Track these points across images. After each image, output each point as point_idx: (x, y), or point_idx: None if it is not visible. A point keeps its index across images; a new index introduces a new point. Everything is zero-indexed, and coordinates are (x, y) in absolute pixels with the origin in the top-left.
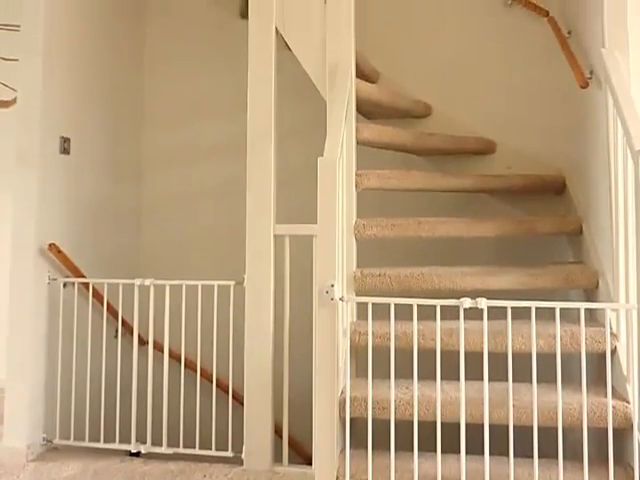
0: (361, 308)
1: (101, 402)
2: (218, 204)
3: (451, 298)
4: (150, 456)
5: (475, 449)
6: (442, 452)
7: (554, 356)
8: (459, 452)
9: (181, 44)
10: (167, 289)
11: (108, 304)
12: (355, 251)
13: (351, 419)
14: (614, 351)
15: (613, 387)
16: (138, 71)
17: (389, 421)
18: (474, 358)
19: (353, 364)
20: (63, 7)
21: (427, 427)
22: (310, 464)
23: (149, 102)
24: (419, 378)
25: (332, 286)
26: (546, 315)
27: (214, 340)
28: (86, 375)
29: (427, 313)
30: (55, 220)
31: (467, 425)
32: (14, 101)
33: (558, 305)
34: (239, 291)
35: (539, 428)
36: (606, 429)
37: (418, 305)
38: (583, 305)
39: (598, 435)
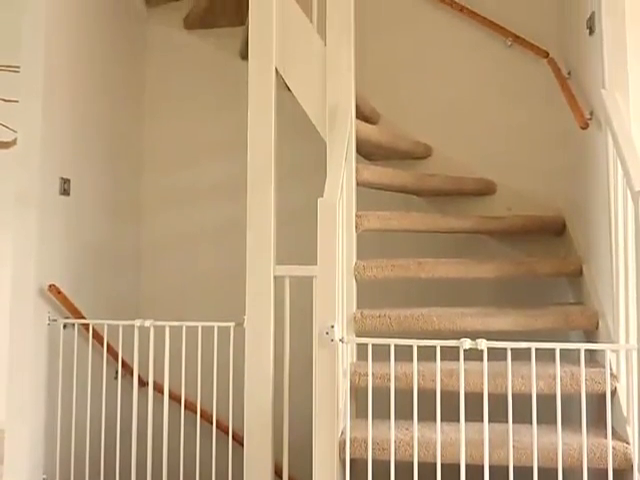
0: (361, 349)
1: (101, 443)
2: (218, 245)
3: (451, 339)
4: None
5: None
6: None
7: (554, 397)
8: None
9: (181, 85)
10: (167, 330)
11: (108, 345)
12: (355, 292)
13: (351, 460)
14: (614, 392)
15: (613, 428)
16: (138, 111)
17: (389, 462)
18: (474, 399)
19: (353, 405)
20: (63, 48)
21: (427, 468)
22: None
23: (149, 142)
24: (419, 419)
25: (332, 327)
26: (546, 356)
27: (214, 381)
28: (86, 416)
29: (427, 354)
30: (55, 261)
31: (467, 466)
32: (14, 142)
33: (558, 346)
34: (239, 332)
35: (539, 469)
36: (606, 470)
37: (418, 346)
38: (583, 346)
39: (598, 476)
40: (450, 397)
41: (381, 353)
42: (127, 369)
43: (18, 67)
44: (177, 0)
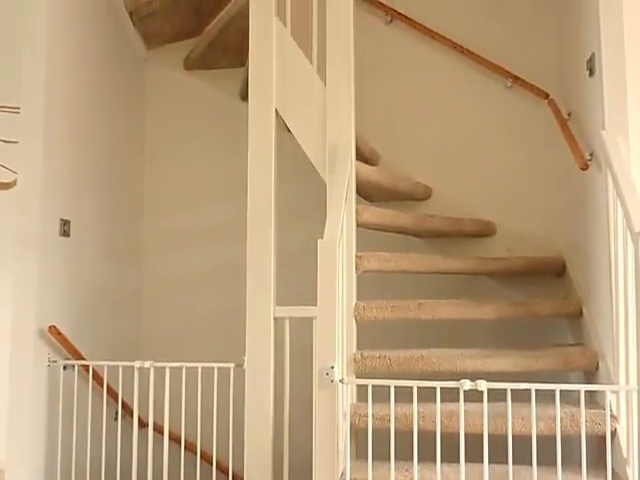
0: (361, 390)
1: None
2: (218, 286)
3: (451, 380)
4: None
5: None
6: None
7: (554, 438)
8: None
9: (181, 125)
10: (167, 371)
11: (108, 386)
12: (355, 333)
13: None
14: (614, 433)
15: (613, 469)
16: (138, 152)
17: None
18: (474, 440)
19: (353, 446)
20: (63, 89)
21: None
22: None
23: (149, 184)
24: (419, 460)
25: (332, 368)
26: (546, 397)
27: (214, 422)
28: (86, 457)
29: (427, 395)
30: (55, 302)
31: None
32: (14, 183)
33: (558, 387)
34: (239, 373)
35: None
36: None
37: (418, 387)
38: (583, 387)
39: None
40: (450, 438)
41: (381, 394)
42: (127, 410)
43: (18, 108)
44: (177, 41)
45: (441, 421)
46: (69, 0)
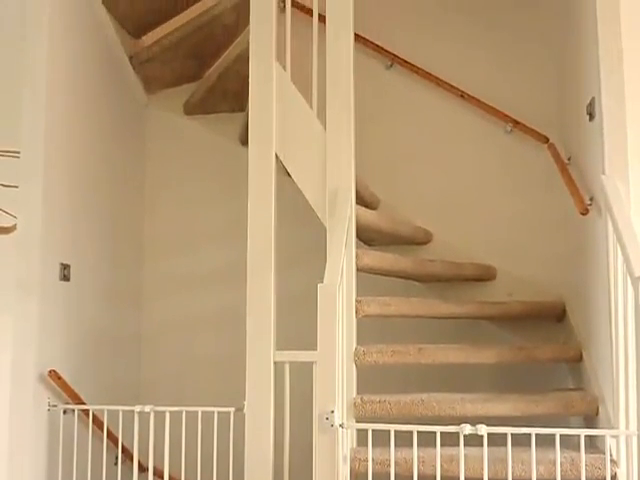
0: (361, 434)
1: None
2: (218, 330)
3: (451, 424)
4: None
5: None
6: None
7: None
8: None
9: (181, 170)
10: (167, 415)
11: (108, 431)
12: (355, 377)
13: None
14: (614, 477)
15: None
16: (138, 196)
17: None
18: None
19: None
20: (63, 134)
21: None
22: None
23: (149, 227)
24: None
25: (332, 412)
26: (546, 441)
27: (214, 466)
28: None
29: (427, 439)
30: (55, 346)
31: None
32: (14, 228)
33: (558, 432)
34: (239, 417)
35: None
36: None
37: (418, 431)
38: (583, 432)
39: None
40: None
41: (381, 438)
42: (127, 455)
43: (18, 152)
44: (177, 86)
45: (441, 465)
46: (69, 45)
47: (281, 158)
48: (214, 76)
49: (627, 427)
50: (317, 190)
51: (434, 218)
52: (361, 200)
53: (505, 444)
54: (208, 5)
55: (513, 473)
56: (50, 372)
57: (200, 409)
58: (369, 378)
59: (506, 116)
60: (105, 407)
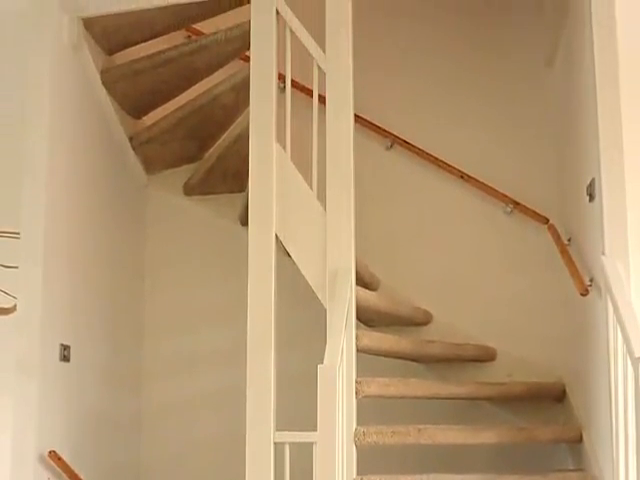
0: None
1: None
2: (218, 411)
3: None
4: None
5: None
6: None
7: None
8: None
9: (181, 250)
10: None
11: None
12: (355, 458)
13: None
14: None
15: None
16: (138, 276)
17: None
18: None
19: None
20: (63, 215)
21: None
22: None
23: (150, 308)
24: None
25: None
26: None
27: None
28: None
29: None
30: (55, 427)
31: None
32: (14, 308)
33: None
34: None
35: None
36: None
37: None
38: None
39: None
40: None
41: None
42: None
43: (18, 233)
44: (177, 166)
45: None
46: (69, 125)
47: (281, 238)
48: (214, 157)
49: None
50: (317, 271)
51: (434, 299)
52: (361, 281)
53: None
54: (208, 86)
55: None
56: (50, 453)
57: None
58: (369, 458)
59: (506, 197)
60: None
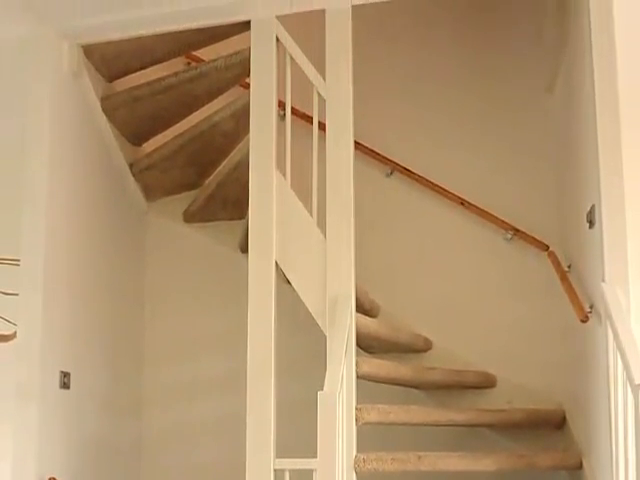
0: None
1: None
2: (218, 438)
3: None
4: None
5: None
6: None
7: None
8: None
9: (181, 277)
10: None
11: None
12: None
13: None
14: None
15: None
16: (138, 304)
17: None
18: None
19: None
20: (63, 242)
21: None
22: None
23: (149, 335)
24: None
25: None
26: None
27: None
28: None
29: None
30: (55, 454)
31: None
32: (14, 335)
33: None
34: None
35: None
36: None
37: None
38: None
39: None
40: None
41: None
42: None
43: (18, 260)
44: (176, 194)
45: None
46: (69, 152)
47: (281, 266)
48: (213, 184)
49: None
50: (317, 298)
51: (434, 325)
52: (361, 307)
53: None
54: (208, 113)
55: None
56: (50, 479)
57: None
58: None
59: (506, 224)
60: None
